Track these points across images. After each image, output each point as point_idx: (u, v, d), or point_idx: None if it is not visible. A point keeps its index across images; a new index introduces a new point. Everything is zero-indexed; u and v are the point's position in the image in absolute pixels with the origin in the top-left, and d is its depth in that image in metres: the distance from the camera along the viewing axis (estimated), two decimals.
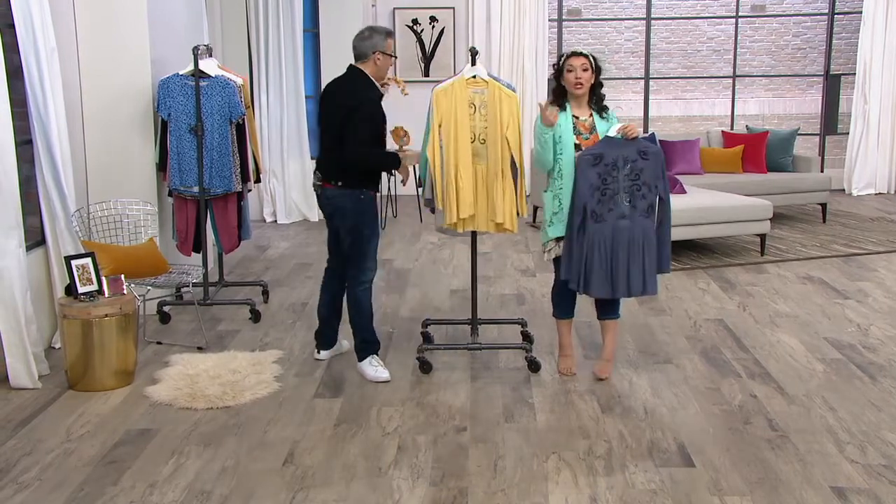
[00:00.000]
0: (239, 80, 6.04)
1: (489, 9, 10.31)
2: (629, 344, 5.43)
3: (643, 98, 10.94)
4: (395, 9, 10.50)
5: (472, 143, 4.85)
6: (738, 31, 11.35)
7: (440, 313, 6.07)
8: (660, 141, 9.10)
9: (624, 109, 13.21)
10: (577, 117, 4.69)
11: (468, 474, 3.76)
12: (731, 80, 11.02)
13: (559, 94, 4.72)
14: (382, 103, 4.98)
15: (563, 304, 4.95)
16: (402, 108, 9.35)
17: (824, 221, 8.92)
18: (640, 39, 11.44)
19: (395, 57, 4.91)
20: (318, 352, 5.22)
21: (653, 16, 10.98)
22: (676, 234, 7.31)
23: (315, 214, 9.51)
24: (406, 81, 9.22)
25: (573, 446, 4.03)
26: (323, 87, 5.10)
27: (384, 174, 5.06)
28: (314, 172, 5.04)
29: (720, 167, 9.07)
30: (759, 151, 9.14)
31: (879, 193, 10.54)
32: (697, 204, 7.49)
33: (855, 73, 10.40)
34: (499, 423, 4.29)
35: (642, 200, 4.60)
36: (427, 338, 5.35)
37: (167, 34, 6.18)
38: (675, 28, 12.94)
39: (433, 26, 10.42)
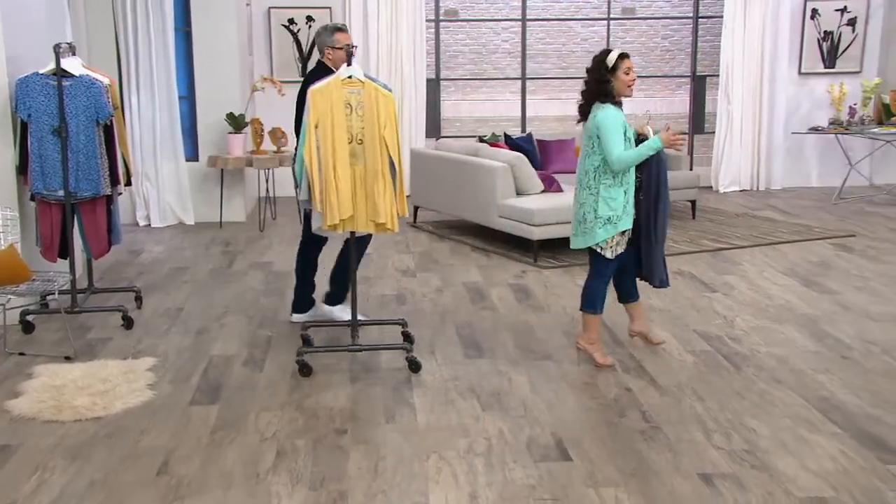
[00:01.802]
0: (105, 80, 5.83)
1: (366, 9, 10.27)
2: (508, 341, 5.50)
3: (520, 98, 11.11)
4: (270, 8, 10.34)
5: (349, 143, 4.82)
6: (609, 32, 11.68)
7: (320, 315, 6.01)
8: (536, 140, 9.27)
9: (502, 109, 13.37)
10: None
11: (348, 477, 3.74)
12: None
13: (607, 92, 4.87)
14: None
15: (600, 300, 5.16)
16: (280, 109, 9.25)
17: (694, 218, 9.23)
18: (517, 40, 11.62)
19: (351, 46, 5.04)
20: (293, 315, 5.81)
21: (528, 17, 11.15)
22: (554, 231, 7.49)
23: (191, 217, 9.28)
24: (283, 82, 9.18)
25: (453, 445, 4.05)
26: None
27: None
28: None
29: None
30: None
31: (743, 190, 10.99)
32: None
33: (719, 75, 10.82)
34: (379, 425, 4.28)
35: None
36: (307, 340, 5.30)
37: (24, 30, 5.91)
38: (550, 29, 13.20)
39: (310, 26, 10.31)
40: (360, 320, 5.26)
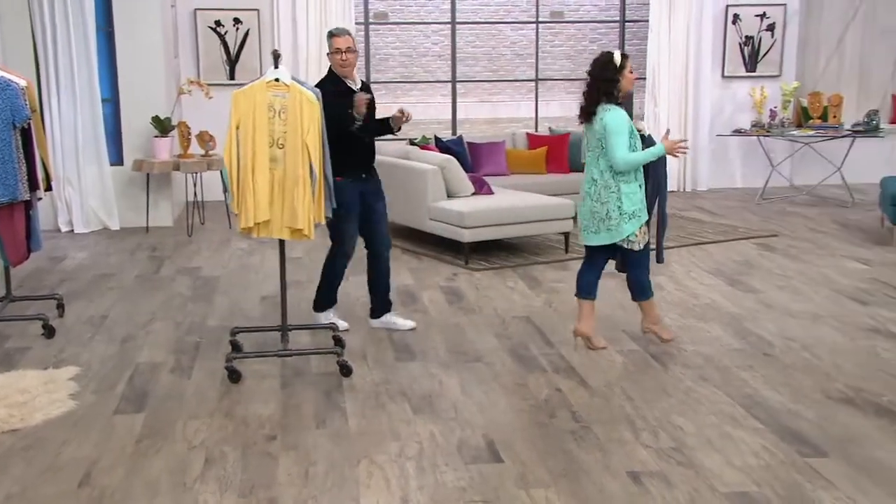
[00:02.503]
0: (22, 82, 5.67)
1: (294, 11, 10.18)
2: (439, 344, 5.50)
3: (451, 101, 11.14)
4: (196, 10, 10.18)
5: (270, 147, 4.77)
6: (538, 35, 11.78)
7: (250, 321, 5.94)
8: (467, 143, 9.29)
9: (433, 112, 13.37)
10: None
11: (278, 483, 3.69)
12: (533, 84, 11.39)
13: (613, 93, 5.05)
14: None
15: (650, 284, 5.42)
16: (208, 112, 9.12)
17: None
18: (447, 43, 11.65)
19: (345, 52, 5.34)
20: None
21: (458, 20, 11.19)
22: (485, 234, 7.52)
23: (116, 223, 9.08)
24: (210, 84, 9.05)
25: (385, 449, 4.03)
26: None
27: (364, 164, 5.57)
28: None
29: (525, 168, 9.35)
30: (561, 152, 9.49)
31: (671, 191, 11.18)
32: (504, 204, 7.69)
33: (646, 78, 11.00)
34: (310, 430, 4.24)
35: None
36: (236, 346, 5.22)
37: None
38: (479, 32, 13.26)
39: (237, 28, 10.18)
40: (290, 325, 5.21)
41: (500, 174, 9.12)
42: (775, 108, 10.69)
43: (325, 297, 5.81)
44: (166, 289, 6.80)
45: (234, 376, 4.85)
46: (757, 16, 11.06)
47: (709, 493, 3.59)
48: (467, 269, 7.34)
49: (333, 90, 5.28)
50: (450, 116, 11.25)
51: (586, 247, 5.39)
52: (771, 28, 11.10)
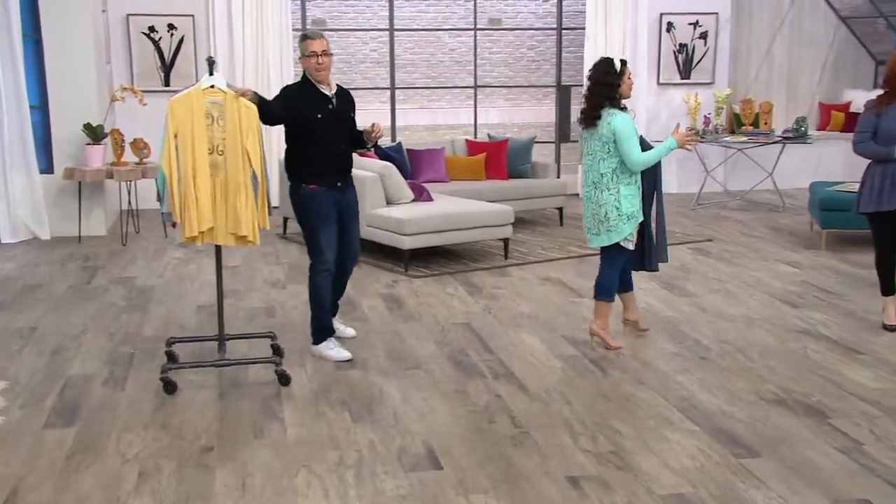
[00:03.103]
0: None
1: (230, 18, 10.07)
2: (379, 351, 5.48)
3: (390, 108, 11.13)
4: (128, 15, 10.01)
5: (210, 154, 4.71)
6: (476, 43, 11.83)
7: (186, 331, 5.85)
8: (407, 150, 9.28)
9: (372, 119, 13.36)
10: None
11: (214, 496, 3.63)
12: (472, 91, 11.46)
13: (613, 99, 5.18)
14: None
15: (615, 288, 5.55)
16: (142, 119, 8.96)
17: (561, 224, 9.43)
18: (385, 50, 11.62)
19: (321, 55, 5.24)
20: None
21: (396, 27, 11.19)
22: (425, 241, 7.51)
23: (46, 232, 8.86)
24: (144, 91, 8.89)
25: (324, 458, 4.00)
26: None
27: (340, 172, 5.42)
28: None
29: (465, 174, 9.38)
30: (500, 159, 9.54)
31: None
32: (444, 211, 7.69)
33: (583, 84, 11.10)
34: (247, 441, 4.18)
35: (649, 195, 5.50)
36: (171, 357, 5.13)
37: None
38: (418, 39, 13.29)
39: (171, 34, 10.04)
40: (227, 335, 5.14)
41: (440, 181, 9.14)
42: (709, 114, 10.89)
43: (322, 325, 5.39)
44: (99, 299, 6.66)
45: (170, 387, 4.76)
46: (690, 24, 11.26)
47: (646, 496, 3.63)
48: (407, 276, 7.32)
49: (303, 94, 5.22)
50: (389, 123, 11.24)
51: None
52: (704, 36, 11.30)
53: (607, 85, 5.17)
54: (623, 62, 5.23)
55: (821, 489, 3.68)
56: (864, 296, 6.51)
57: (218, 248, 4.95)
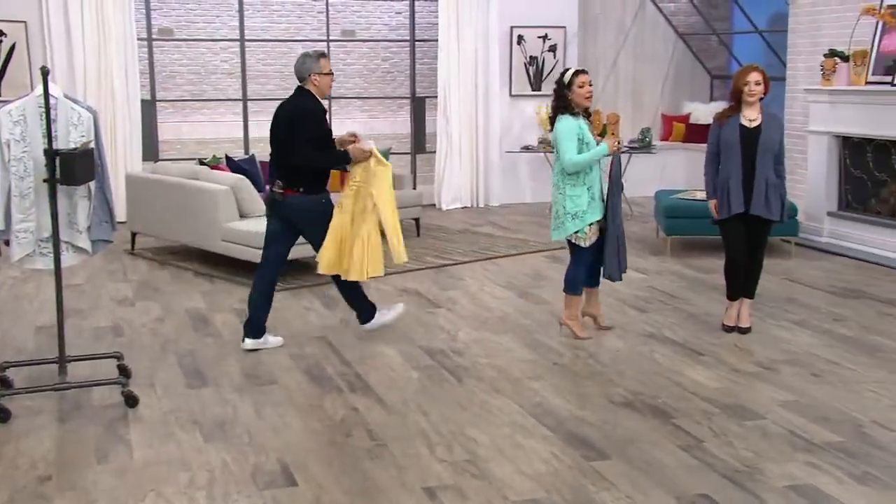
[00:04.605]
0: None
1: (68, 25, 9.63)
2: (233, 368, 5.35)
3: (242, 119, 10.91)
4: None
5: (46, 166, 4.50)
6: (330, 54, 11.75)
7: (24, 354, 5.54)
8: (260, 162, 9.11)
9: (224, 131, 13.08)
10: (588, 122, 5.69)
11: None
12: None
13: (565, 105, 5.59)
14: None
15: (586, 280, 5.85)
16: None
17: (418, 235, 9.46)
18: (236, 61, 11.41)
19: (332, 73, 5.69)
20: (244, 340, 5.70)
21: (247, 37, 10.99)
22: None
23: None
24: None
25: (173, 480, 3.87)
26: None
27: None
28: (275, 182, 5.64)
29: None
30: None
31: (465, 207, 11.44)
32: None
33: (437, 96, 11.21)
34: (90, 466, 3.99)
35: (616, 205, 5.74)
36: (5, 382, 4.84)
37: None
38: (270, 50, 13.10)
39: (1, 41, 9.51)
40: (68, 356, 4.90)
41: None
42: None
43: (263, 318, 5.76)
44: None
45: (4, 415, 4.49)
46: (539, 37, 11.54)
47: (501, 503, 3.66)
48: None
49: (320, 110, 5.61)
50: (242, 135, 11.02)
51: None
52: (553, 49, 11.61)
53: (559, 94, 5.61)
54: (576, 73, 5.58)
55: (665, 487, 3.81)
56: (705, 299, 6.81)
57: (57, 265, 4.71)
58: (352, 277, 5.59)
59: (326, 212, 5.65)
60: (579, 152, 5.56)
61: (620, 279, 5.89)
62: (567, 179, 5.61)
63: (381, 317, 5.99)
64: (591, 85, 5.64)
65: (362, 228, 5.54)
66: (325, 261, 5.64)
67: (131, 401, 4.71)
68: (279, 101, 5.79)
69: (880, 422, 4.49)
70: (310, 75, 5.55)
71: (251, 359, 5.52)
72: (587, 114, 5.77)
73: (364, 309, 5.97)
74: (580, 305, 5.96)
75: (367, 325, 5.97)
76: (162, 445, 4.23)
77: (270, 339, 5.75)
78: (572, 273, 5.83)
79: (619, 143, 5.90)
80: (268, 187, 5.74)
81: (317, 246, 5.72)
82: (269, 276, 5.79)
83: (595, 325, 6.07)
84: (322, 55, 5.63)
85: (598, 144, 5.64)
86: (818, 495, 3.74)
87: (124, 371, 5.07)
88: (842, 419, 4.53)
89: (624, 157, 10.96)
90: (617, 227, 5.74)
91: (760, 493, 3.75)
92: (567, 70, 5.68)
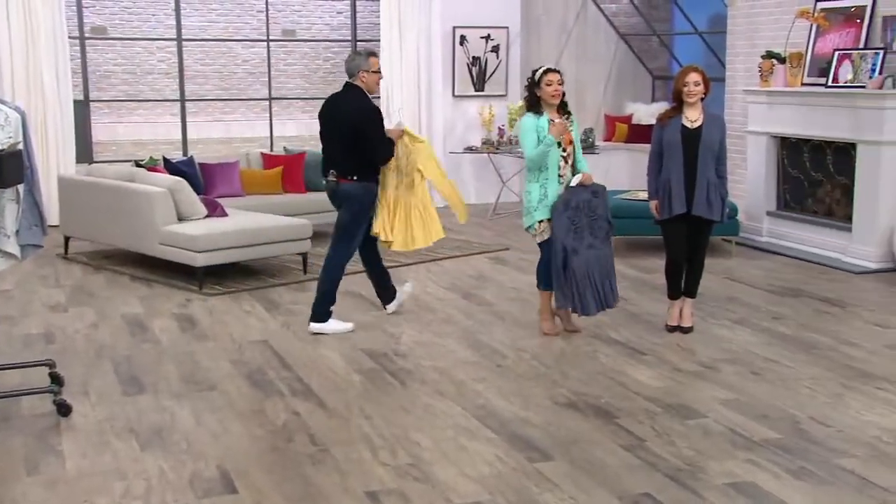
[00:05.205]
0: None
1: None
2: (171, 374, 5.23)
3: (180, 120, 10.72)
4: None
5: None
6: (270, 54, 11.63)
7: None
8: (199, 164, 8.96)
9: (162, 132, 12.86)
10: (551, 120, 5.68)
11: None
12: (267, 102, 11.23)
13: (534, 103, 5.69)
14: None
15: (547, 279, 5.81)
16: None
17: None
18: (174, 60, 11.20)
19: (381, 72, 6.01)
20: (385, 307, 6.45)
21: (184, 37, 10.80)
22: (219, 257, 7.26)
23: None
24: None
25: (108, 491, 3.76)
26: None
27: None
28: (328, 172, 6.04)
29: (261, 188, 9.16)
30: (297, 172, 9.38)
31: None
32: (239, 226, 7.47)
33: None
34: (19, 479, 3.86)
35: (600, 231, 5.73)
36: None
37: None
38: (209, 50, 12.90)
39: None
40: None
41: (235, 195, 8.88)
42: (503, 126, 11.19)
43: (330, 306, 6.09)
44: None
45: None
46: (482, 38, 11.55)
47: None
48: (202, 294, 7.05)
49: (376, 108, 5.99)
50: (180, 136, 10.83)
51: None
52: (496, 49, 11.62)
53: (529, 91, 5.75)
54: (546, 71, 5.67)
55: (608, 487, 3.81)
56: (648, 299, 6.85)
57: None
58: (418, 245, 6.17)
59: (370, 200, 6.02)
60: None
61: (591, 313, 5.83)
62: (529, 176, 5.78)
63: (401, 296, 6.47)
64: (560, 84, 5.69)
65: (414, 199, 6.10)
66: (401, 239, 6.12)
67: (64, 409, 4.58)
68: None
69: (816, 418, 4.56)
70: (358, 72, 5.89)
71: (190, 364, 5.41)
72: (565, 111, 5.81)
73: (391, 293, 6.44)
74: (548, 300, 5.95)
75: (390, 306, 6.45)
76: (96, 455, 4.12)
77: (337, 325, 6.07)
78: (540, 267, 5.94)
79: (566, 127, 5.77)
80: (326, 178, 6.11)
81: (348, 229, 6.02)
82: (364, 257, 6.30)
83: (564, 326, 6.05)
84: (372, 54, 5.99)
85: (566, 153, 5.75)
86: (757, 492, 3.77)
87: (56, 379, 4.91)
88: (780, 416, 4.58)
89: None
90: (585, 259, 5.68)
91: (701, 491, 3.77)
92: (540, 67, 5.76)
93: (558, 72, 5.74)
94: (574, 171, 5.81)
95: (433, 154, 6.28)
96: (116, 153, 11.96)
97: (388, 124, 6.21)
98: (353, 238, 6.05)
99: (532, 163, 5.70)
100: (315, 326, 6.01)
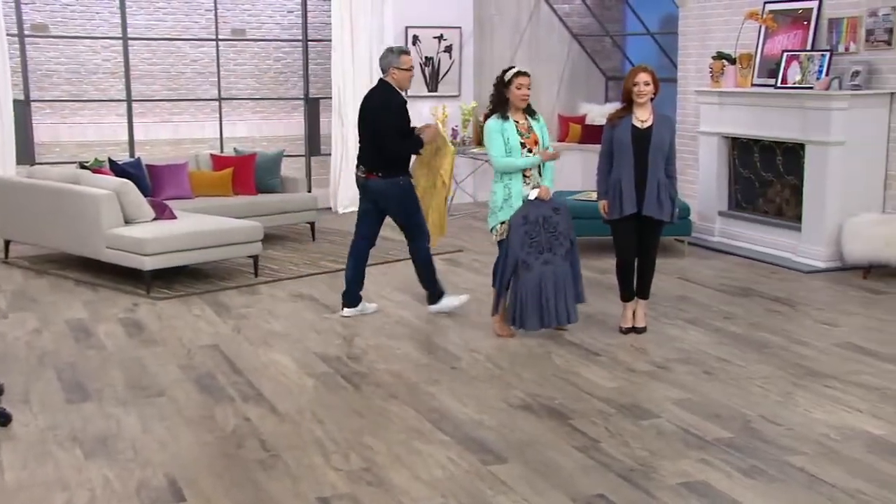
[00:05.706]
0: None
1: None
2: (117, 380, 5.12)
3: (127, 121, 10.50)
4: None
5: None
6: (219, 53, 11.46)
7: None
8: (146, 165, 8.80)
9: (107, 133, 12.61)
10: (517, 121, 5.70)
11: None
12: (217, 103, 11.07)
13: (501, 103, 5.70)
14: None
15: (504, 280, 5.80)
16: None
17: (314, 239, 9.29)
18: (119, 59, 10.97)
19: (412, 69, 6.19)
20: (343, 309, 6.37)
21: (130, 35, 10.58)
22: (168, 260, 7.12)
23: None
24: None
25: (49, 502, 3.65)
26: None
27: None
28: (357, 167, 6.25)
29: (210, 190, 9.02)
30: (248, 173, 9.26)
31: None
32: (188, 229, 7.34)
33: (331, 97, 11.05)
34: None
35: (560, 248, 5.71)
36: None
37: None
38: (156, 49, 12.67)
39: None
40: None
41: (184, 197, 8.73)
42: (456, 126, 11.16)
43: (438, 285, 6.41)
44: None
45: None
46: (435, 38, 11.50)
47: None
48: (149, 298, 6.91)
49: (402, 101, 6.16)
50: (126, 137, 10.62)
51: None
52: (449, 50, 11.59)
53: (497, 90, 5.74)
54: (517, 73, 5.66)
55: (562, 489, 3.79)
56: (602, 300, 6.84)
57: None
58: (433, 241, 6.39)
59: (405, 193, 6.15)
60: (508, 153, 5.68)
61: (577, 319, 5.90)
62: (494, 177, 5.80)
63: (450, 301, 6.43)
64: (529, 88, 5.70)
65: (436, 200, 6.40)
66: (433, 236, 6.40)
67: (3, 419, 4.45)
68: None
69: (767, 416, 4.58)
70: (389, 69, 6.09)
71: (137, 370, 5.29)
72: (531, 113, 5.83)
73: (439, 290, 6.44)
74: (499, 301, 5.91)
75: (434, 307, 6.43)
76: (38, 466, 4.00)
77: (368, 306, 6.41)
78: (495, 266, 5.96)
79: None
80: (355, 172, 6.31)
81: (408, 224, 6.25)
82: (359, 251, 6.38)
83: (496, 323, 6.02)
84: (403, 51, 6.16)
85: (533, 153, 5.74)
86: (709, 491, 3.77)
87: None
88: (731, 415, 4.60)
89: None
90: (539, 274, 5.68)
91: (654, 491, 3.76)
92: (511, 68, 5.75)
93: (528, 75, 5.75)
94: (541, 172, 5.79)
95: (450, 166, 6.45)
96: (60, 155, 11.67)
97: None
98: (420, 224, 6.28)
99: (500, 168, 5.73)
100: (433, 308, 6.38)
